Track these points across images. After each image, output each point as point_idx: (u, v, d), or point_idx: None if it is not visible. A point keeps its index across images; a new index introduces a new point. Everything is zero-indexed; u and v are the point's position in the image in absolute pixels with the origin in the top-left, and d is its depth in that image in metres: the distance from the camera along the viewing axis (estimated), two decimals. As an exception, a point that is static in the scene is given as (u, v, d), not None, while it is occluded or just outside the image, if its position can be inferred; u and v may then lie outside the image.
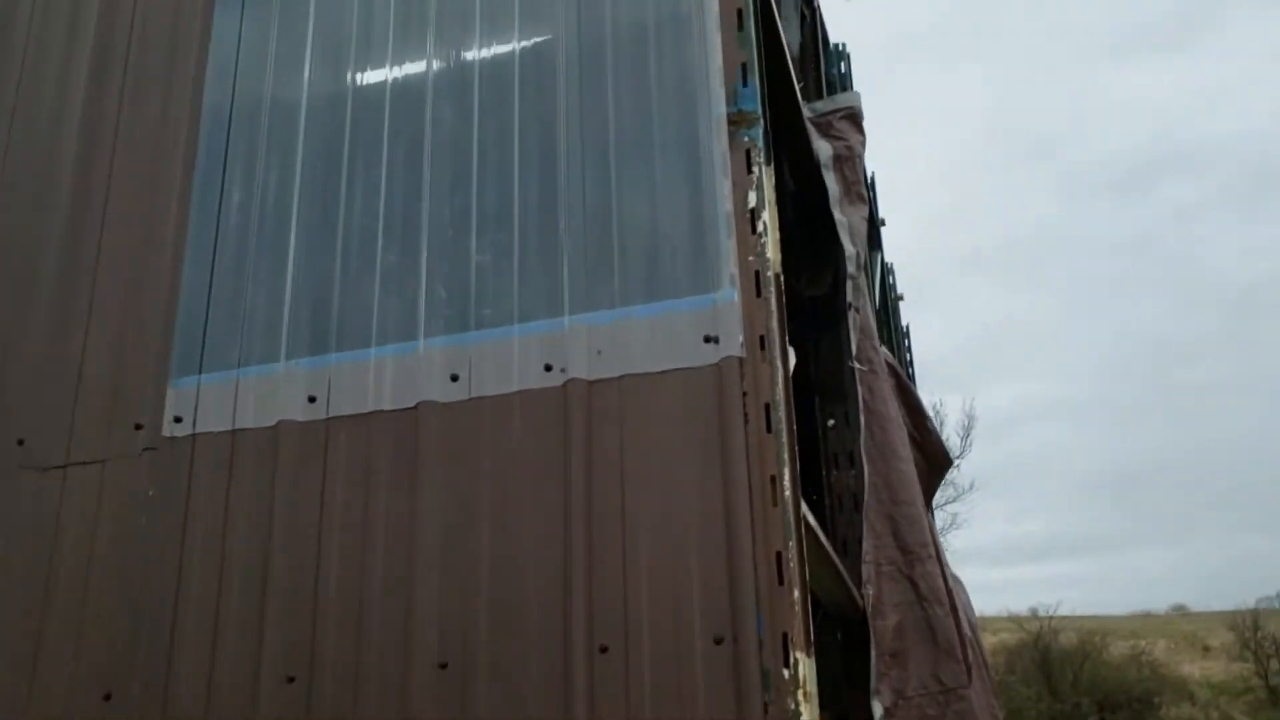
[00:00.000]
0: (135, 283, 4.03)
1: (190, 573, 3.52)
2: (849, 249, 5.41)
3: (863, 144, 5.92)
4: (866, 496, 5.15)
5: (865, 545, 5.07)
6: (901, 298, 10.92)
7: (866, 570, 5.01)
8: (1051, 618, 35.88)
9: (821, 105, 6.01)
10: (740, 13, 3.76)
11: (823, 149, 5.73)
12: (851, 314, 5.30)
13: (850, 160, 5.76)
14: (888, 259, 9.74)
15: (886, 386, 5.47)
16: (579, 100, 3.79)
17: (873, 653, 4.72)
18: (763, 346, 3.33)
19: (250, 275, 3.91)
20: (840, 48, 8.31)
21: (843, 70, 8.17)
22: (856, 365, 5.17)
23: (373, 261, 3.81)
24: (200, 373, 3.78)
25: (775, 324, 3.38)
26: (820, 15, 7.02)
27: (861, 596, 4.90)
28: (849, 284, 5.34)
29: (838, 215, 5.51)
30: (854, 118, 5.93)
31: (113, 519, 3.66)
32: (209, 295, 3.90)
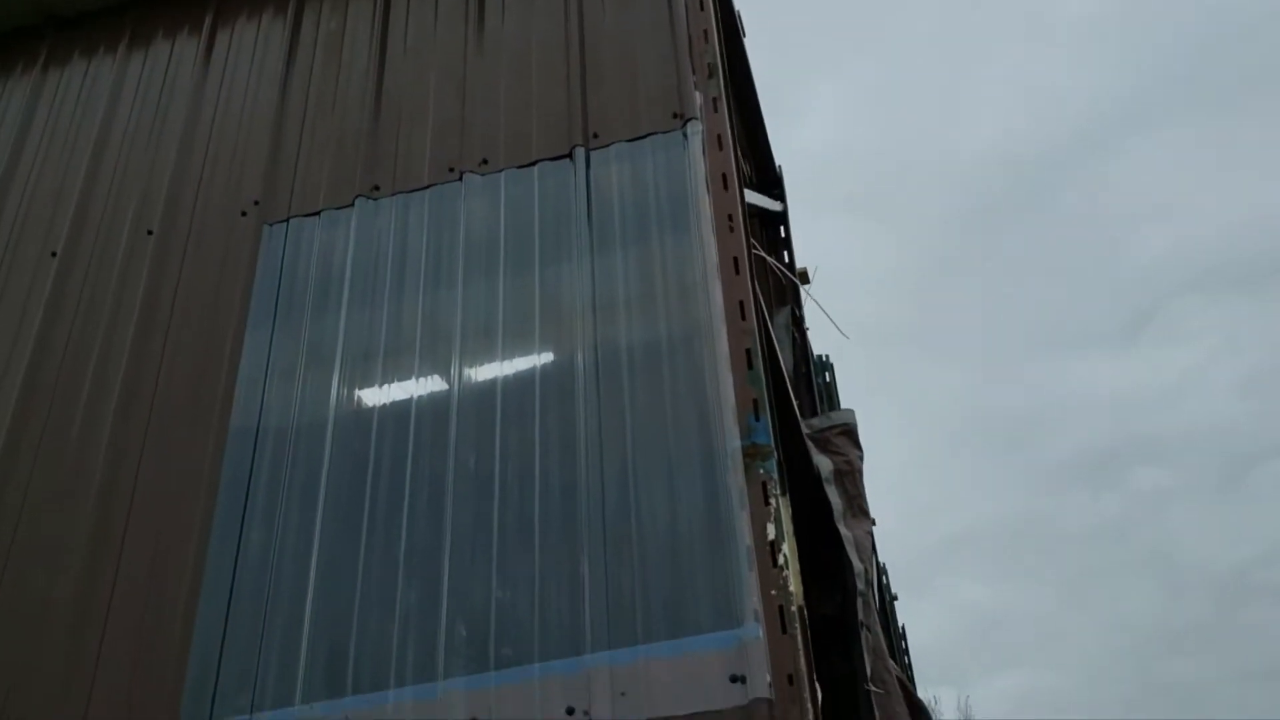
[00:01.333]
0: (148, 623, 3.97)
1: None
2: (857, 565, 5.44)
3: (861, 458, 6.08)
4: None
5: None
6: (896, 598, 10.85)
7: None
8: None
9: (818, 422, 6.21)
10: (749, 352, 3.97)
11: (823, 464, 5.88)
12: (864, 633, 5.26)
13: (851, 475, 5.90)
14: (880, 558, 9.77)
15: (901, 708, 5.34)
16: (599, 442, 3.92)
17: None
18: (791, 683, 3.28)
19: (268, 614, 3.87)
20: (825, 359, 8.68)
21: (828, 379, 8.50)
22: (872, 689, 5.06)
23: (393, 597, 3.79)
24: (210, 718, 3.66)
25: (803, 662, 3.35)
26: (807, 337, 7.38)
27: None
28: (859, 601, 5.33)
29: (843, 530, 5.58)
30: (850, 434, 6.12)
31: None
32: (224, 636, 3.85)
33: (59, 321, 5.08)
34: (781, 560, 3.54)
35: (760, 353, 4.03)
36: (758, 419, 3.85)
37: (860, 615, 5.28)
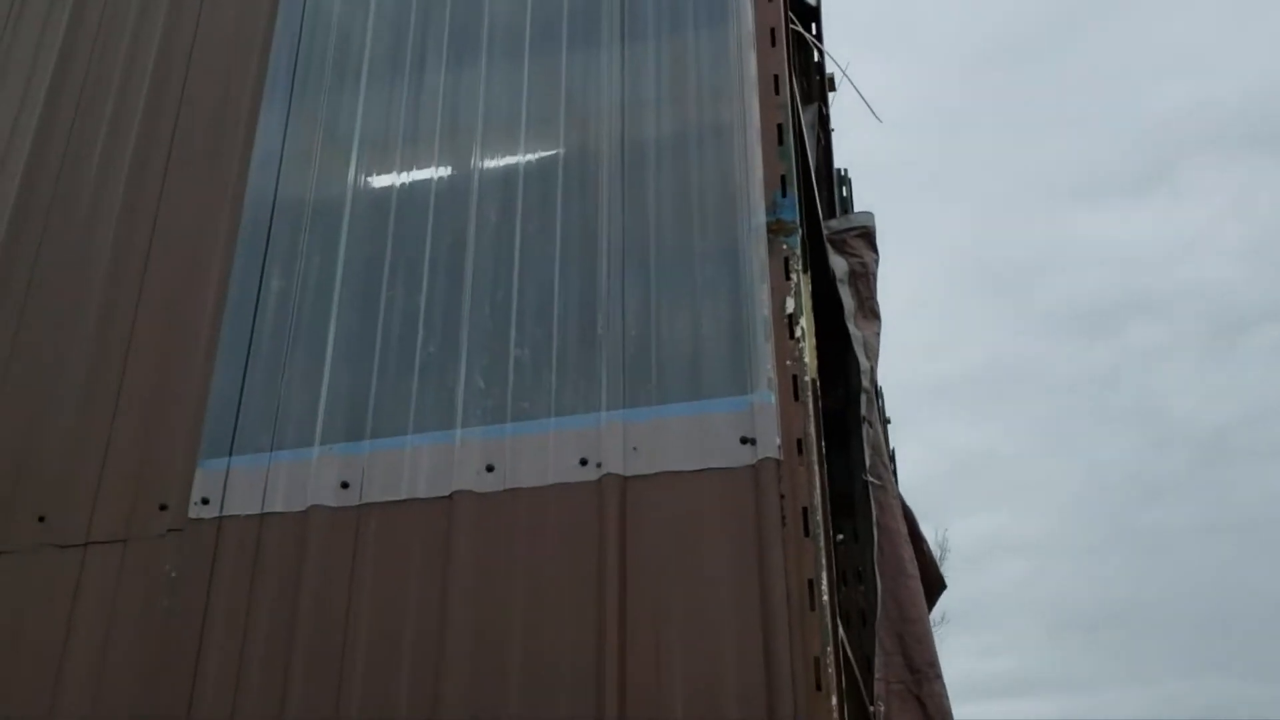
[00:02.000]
0: (168, 363, 4.03)
1: (209, 658, 3.43)
2: (863, 363, 5.48)
3: (876, 262, 6.05)
4: (878, 613, 5.11)
5: (876, 662, 5.01)
6: (889, 421, 11.05)
7: (877, 687, 4.95)
8: (1022, 758, 35.00)
9: (836, 223, 6.16)
10: (780, 127, 3.90)
11: (839, 264, 5.85)
12: (865, 428, 5.34)
13: (865, 277, 5.88)
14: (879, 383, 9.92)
15: (896, 504, 5.48)
16: (621, 205, 3.88)
17: (886, 772, 4.63)
18: (800, 450, 3.36)
19: (287, 360, 3.92)
20: (843, 172, 8.56)
21: (844, 194, 8.40)
22: (871, 480, 5.18)
23: (412, 352, 3.83)
24: (230, 455, 3.76)
25: (812, 427, 3.42)
26: (831, 140, 7.25)
27: (872, 715, 4.82)
28: (863, 397, 5.40)
29: (852, 329, 5.60)
30: (868, 236, 6.06)
31: (131, 600, 3.58)
32: (244, 378, 3.91)
33: (73, 61, 4.95)
34: (799, 333, 3.57)
35: (793, 131, 3.96)
36: (784, 195, 3.81)
37: (863, 411, 5.36)
